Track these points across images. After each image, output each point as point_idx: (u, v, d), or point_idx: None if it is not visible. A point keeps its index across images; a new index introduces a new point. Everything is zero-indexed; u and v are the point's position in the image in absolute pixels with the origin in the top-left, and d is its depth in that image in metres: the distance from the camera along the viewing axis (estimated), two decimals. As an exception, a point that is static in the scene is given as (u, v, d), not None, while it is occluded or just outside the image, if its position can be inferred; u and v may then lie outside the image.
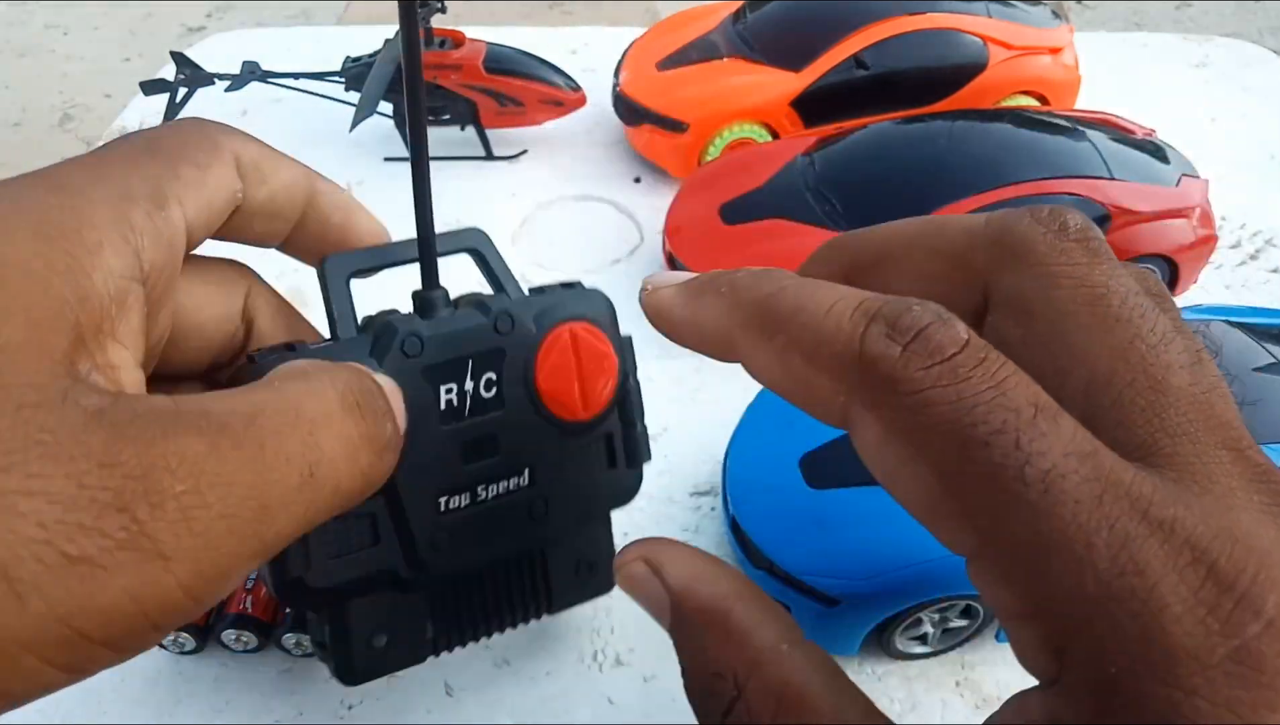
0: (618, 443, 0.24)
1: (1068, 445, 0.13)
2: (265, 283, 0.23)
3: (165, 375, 0.20)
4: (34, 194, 0.16)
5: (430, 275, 0.22)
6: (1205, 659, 0.12)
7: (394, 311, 0.23)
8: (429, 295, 0.22)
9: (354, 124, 0.45)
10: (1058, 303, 0.16)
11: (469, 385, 0.21)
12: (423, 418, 0.21)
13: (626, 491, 0.24)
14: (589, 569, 0.25)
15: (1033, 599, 0.14)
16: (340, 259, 0.22)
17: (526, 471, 0.22)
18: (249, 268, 0.22)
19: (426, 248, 0.22)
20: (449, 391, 0.21)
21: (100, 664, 0.14)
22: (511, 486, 0.22)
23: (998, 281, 0.17)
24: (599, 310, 0.24)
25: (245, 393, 0.16)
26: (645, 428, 0.24)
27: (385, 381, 0.19)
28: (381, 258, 0.23)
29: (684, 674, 0.17)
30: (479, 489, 0.22)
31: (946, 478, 0.14)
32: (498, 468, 0.22)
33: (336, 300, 0.22)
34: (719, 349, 0.18)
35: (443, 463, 0.21)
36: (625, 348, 0.24)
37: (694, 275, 0.19)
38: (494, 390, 0.22)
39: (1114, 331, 0.15)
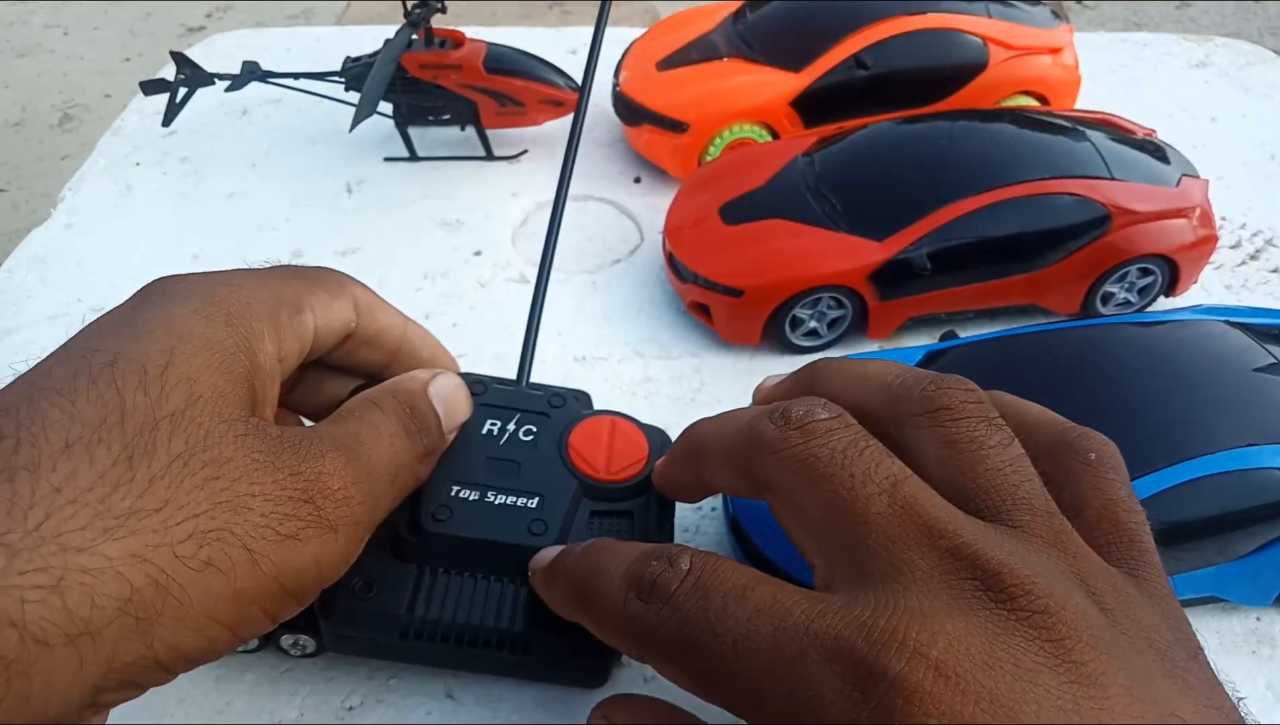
0: (638, 521, 0.27)
1: (751, 613, 0.18)
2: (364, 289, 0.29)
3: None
4: (221, 290, 0.22)
5: (522, 374, 0.31)
6: None
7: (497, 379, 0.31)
8: (519, 383, 0.31)
9: (354, 124, 0.45)
10: (787, 478, 0.20)
11: (510, 426, 0.28)
12: (464, 432, 0.28)
13: None
14: (576, 627, 0.24)
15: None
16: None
17: (537, 498, 0.27)
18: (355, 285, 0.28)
19: (524, 364, 0.31)
20: (493, 424, 0.28)
21: (289, 613, 0.20)
22: (519, 503, 0.27)
23: (756, 472, 0.22)
24: (647, 426, 0.30)
25: (345, 422, 0.23)
26: (672, 518, 0.29)
27: (443, 387, 0.26)
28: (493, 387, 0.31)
29: None
30: (489, 493, 0.27)
31: (693, 678, 0.20)
32: (511, 484, 0.27)
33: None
34: (693, 495, 0.27)
35: (465, 465, 0.27)
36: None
37: (674, 443, 0.27)
38: (531, 437, 0.28)
39: (822, 488, 0.20)
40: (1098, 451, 0.21)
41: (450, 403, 0.26)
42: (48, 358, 0.19)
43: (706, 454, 0.24)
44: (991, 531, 0.19)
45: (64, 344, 0.19)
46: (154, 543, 0.16)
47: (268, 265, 0.25)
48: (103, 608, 0.16)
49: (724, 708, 0.19)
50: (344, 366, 0.28)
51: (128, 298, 0.22)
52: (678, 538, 0.31)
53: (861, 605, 0.17)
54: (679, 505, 0.30)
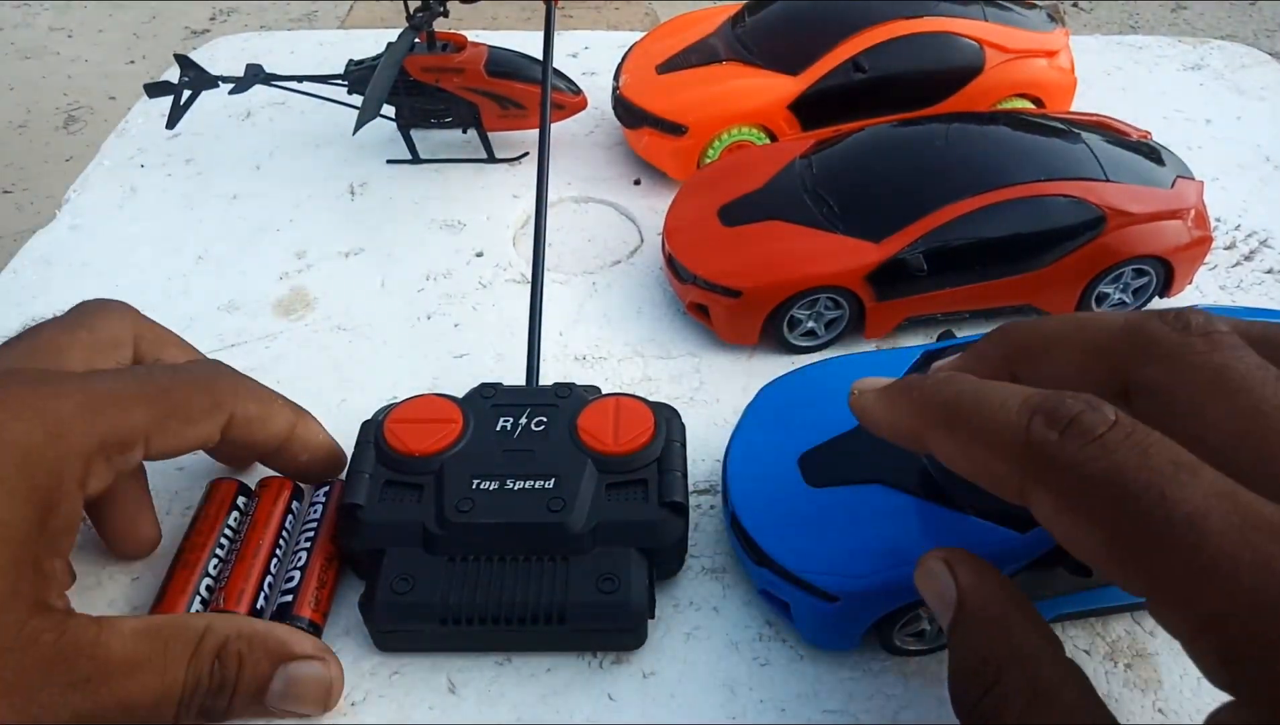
0: (652, 486, 0.30)
1: (1209, 489, 0.16)
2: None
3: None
4: (36, 437, 0.20)
5: (530, 377, 0.35)
6: None
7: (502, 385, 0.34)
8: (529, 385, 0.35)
9: (357, 127, 0.45)
10: (1187, 384, 0.19)
11: (523, 420, 0.31)
12: (479, 432, 0.31)
13: (662, 529, 0.29)
14: (610, 584, 0.28)
15: (1196, 622, 0.16)
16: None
17: (553, 479, 0.29)
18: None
19: (531, 368, 0.35)
20: (505, 421, 0.31)
21: None
22: (536, 485, 0.29)
23: (1136, 372, 0.20)
24: (653, 402, 0.32)
25: (142, 638, 0.23)
26: (685, 478, 0.31)
27: (301, 675, 0.26)
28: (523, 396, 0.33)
29: (951, 661, 0.21)
30: (508, 480, 0.29)
31: (1112, 534, 0.17)
32: (527, 470, 0.29)
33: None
34: (912, 442, 0.23)
35: (483, 459, 0.30)
36: (673, 425, 0.32)
37: (892, 382, 0.24)
38: (542, 426, 0.31)
39: (1237, 399, 0.18)
40: None
41: (300, 693, 0.25)
42: None
43: (1052, 347, 0.22)
44: None
45: None
46: None
47: (144, 373, 0.25)
48: None
49: (1124, 573, 0.18)
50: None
51: None
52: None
53: None
54: None
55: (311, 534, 0.31)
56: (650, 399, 0.32)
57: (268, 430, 0.27)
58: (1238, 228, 0.50)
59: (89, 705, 0.21)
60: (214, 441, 0.25)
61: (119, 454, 0.22)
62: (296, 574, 0.30)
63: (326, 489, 0.32)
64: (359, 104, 0.52)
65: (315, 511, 0.31)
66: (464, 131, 0.54)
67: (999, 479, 0.20)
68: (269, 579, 0.30)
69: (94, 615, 0.22)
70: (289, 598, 0.29)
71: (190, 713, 0.23)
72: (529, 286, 0.39)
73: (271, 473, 0.32)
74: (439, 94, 0.51)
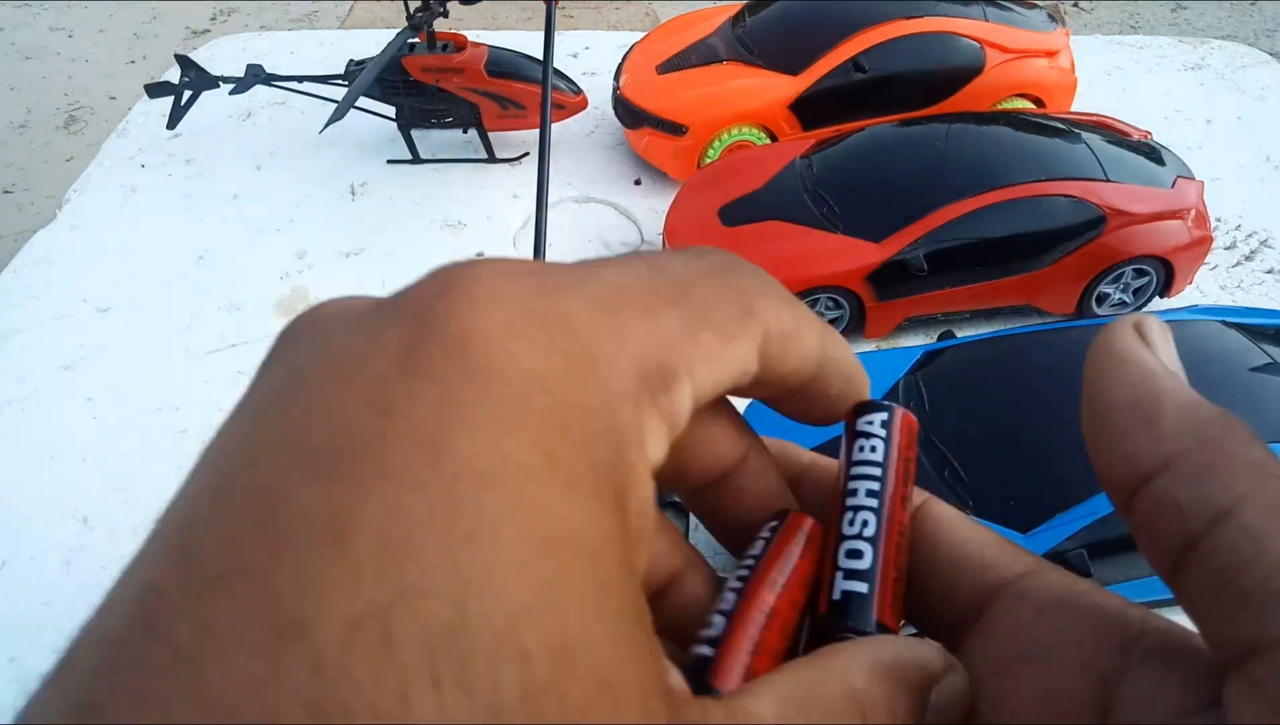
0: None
1: None
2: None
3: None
4: (569, 380, 0.10)
5: None
6: None
7: None
8: None
9: (324, 126, 0.46)
10: None
11: None
12: None
13: None
14: None
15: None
16: None
17: None
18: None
19: None
20: None
21: None
22: None
23: None
24: None
25: (806, 690, 0.13)
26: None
27: (953, 690, 0.16)
28: None
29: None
30: None
31: None
32: None
33: None
34: None
35: None
36: None
37: None
38: None
39: None
40: None
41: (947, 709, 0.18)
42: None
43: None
44: None
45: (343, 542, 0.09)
46: None
47: (607, 254, 0.14)
48: None
49: None
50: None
51: (386, 334, 0.10)
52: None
53: None
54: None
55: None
56: None
57: (802, 350, 0.15)
58: (1238, 228, 0.50)
59: None
60: (750, 373, 0.14)
61: (664, 394, 0.12)
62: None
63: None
64: (360, 104, 0.52)
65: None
66: (464, 132, 0.54)
67: None
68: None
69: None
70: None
71: None
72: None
73: None
74: (439, 94, 0.51)
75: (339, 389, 0.09)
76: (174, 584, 0.08)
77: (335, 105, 0.53)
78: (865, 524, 0.13)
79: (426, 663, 0.08)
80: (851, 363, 0.16)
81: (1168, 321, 0.26)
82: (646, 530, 0.10)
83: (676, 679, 0.11)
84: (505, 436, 0.09)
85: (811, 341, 0.14)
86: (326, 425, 0.08)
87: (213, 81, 0.52)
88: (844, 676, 0.13)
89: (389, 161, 0.54)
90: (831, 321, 0.42)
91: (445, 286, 0.09)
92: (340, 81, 0.52)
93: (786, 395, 0.15)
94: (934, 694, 0.14)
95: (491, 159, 0.54)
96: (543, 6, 0.45)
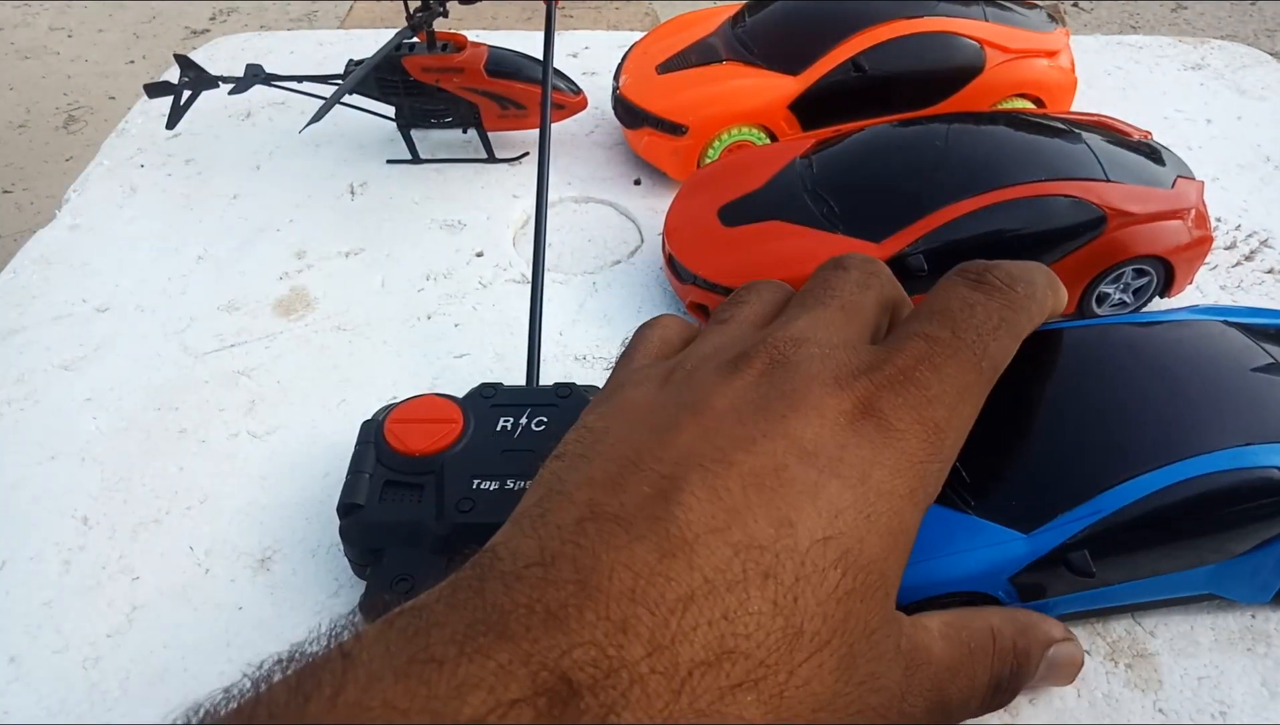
0: None
1: None
2: None
3: None
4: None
5: (530, 377, 0.36)
6: None
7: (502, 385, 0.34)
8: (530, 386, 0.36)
9: (304, 126, 0.45)
10: None
11: (523, 420, 0.31)
12: (479, 431, 0.31)
13: None
14: None
15: None
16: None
17: None
18: None
19: (531, 369, 0.36)
20: (506, 421, 0.31)
21: None
22: None
23: None
24: None
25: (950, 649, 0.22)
26: None
27: (1063, 655, 0.26)
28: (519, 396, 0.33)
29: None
30: (509, 481, 0.30)
31: None
32: (528, 471, 0.29)
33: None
34: None
35: (483, 459, 0.30)
36: None
37: None
38: (543, 426, 0.31)
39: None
40: None
41: (1057, 674, 0.26)
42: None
43: None
44: None
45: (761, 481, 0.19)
46: None
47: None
48: None
49: None
50: None
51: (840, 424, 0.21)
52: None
53: None
54: None
55: None
56: None
57: None
58: (1238, 228, 0.50)
59: (920, 706, 0.20)
60: None
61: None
62: None
63: None
64: (359, 104, 0.52)
65: None
66: (464, 131, 0.54)
67: None
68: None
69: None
70: None
71: (980, 711, 0.23)
72: (529, 286, 0.39)
73: None
74: (439, 94, 0.51)
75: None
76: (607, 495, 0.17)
77: (338, 104, 0.53)
78: None
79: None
80: None
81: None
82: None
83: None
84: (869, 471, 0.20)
85: None
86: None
87: (212, 81, 0.52)
88: (986, 619, 0.23)
89: (388, 161, 0.54)
90: (831, 321, 0.41)
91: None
92: (340, 82, 0.52)
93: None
94: (1051, 651, 0.24)
95: (491, 159, 0.54)
96: (542, 6, 0.45)
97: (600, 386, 0.34)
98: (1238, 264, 0.48)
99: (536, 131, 0.54)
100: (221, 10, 2.01)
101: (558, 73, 0.53)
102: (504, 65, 0.51)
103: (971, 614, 0.24)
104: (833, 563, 0.17)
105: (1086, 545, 0.26)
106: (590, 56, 0.63)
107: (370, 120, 0.54)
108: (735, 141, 0.50)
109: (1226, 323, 0.33)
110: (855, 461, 0.19)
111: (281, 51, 0.65)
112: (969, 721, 0.23)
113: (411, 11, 0.50)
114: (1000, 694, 0.23)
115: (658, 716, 0.14)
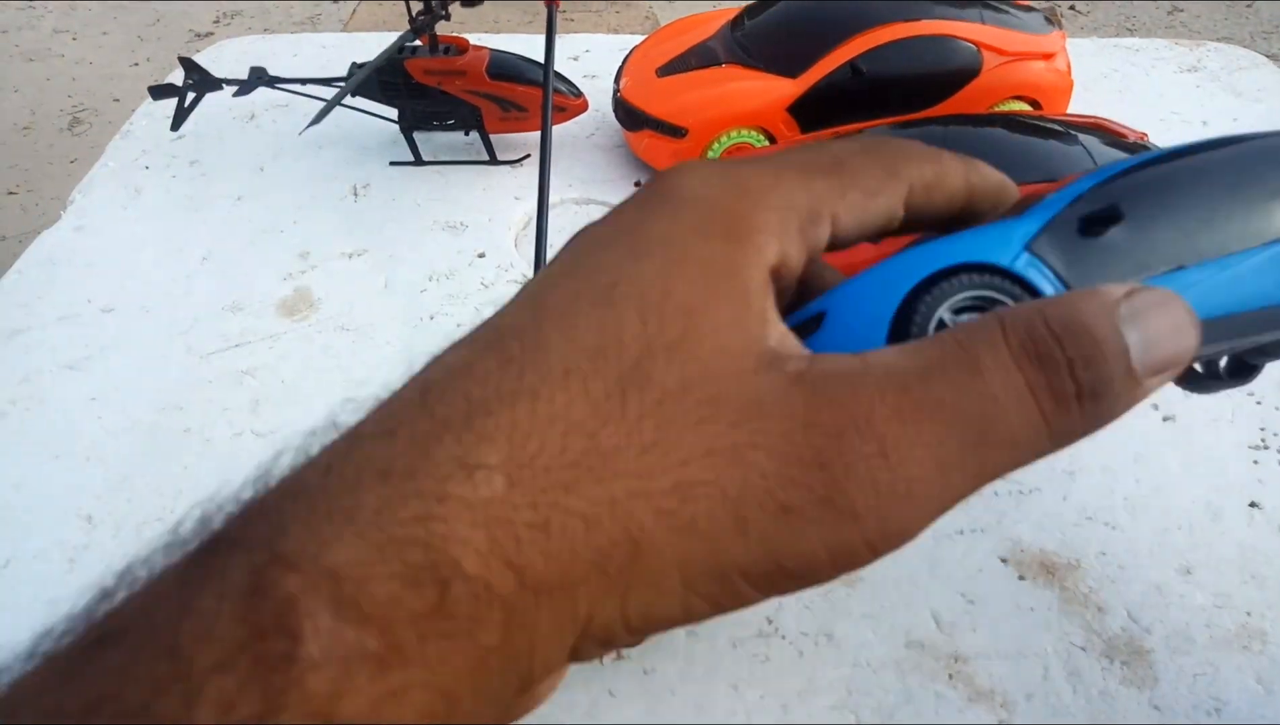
0: None
1: None
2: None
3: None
4: (725, 198, 0.17)
5: None
6: None
7: None
8: None
9: (305, 128, 0.46)
10: None
11: None
12: None
13: None
14: None
15: None
16: None
17: None
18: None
19: None
20: None
21: (787, 590, 0.15)
22: None
23: None
24: None
25: (920, 351, 0.15)
26: None
27: (1144, 306, 0.16)
28: None
29: None
30: None
31: None
32: None
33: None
34: None
35: None
36: None
37: None
38: None
39: None
40: None
41: (1156, 339, 0.15)
42: (549, 270, 0.17)
43: None
44: None
45: (564, 255, 0.17)
46: (634, 489, 0.14)
47: (814, 147, 0.20)
48: (581, 559, 0.14)
49: None
50: None
51: (636, 195, 0.17)
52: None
53: None
54: None
55: None
56: None
57: (946, 193, 0.20)
58: (1235, 229, 0.50)
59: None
60: (898, 219, 0.19)
61: (810, 227, 0.18)
62: None
63: None
64: (362, 106, 0.52)
65: None
66: (466, 134, 0.55)
67: None
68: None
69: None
70: None
71: (1032, 452, 0.15)
72: (530, 287, 0.39)
73: None
74: (441, 97, 0.52)
75: (609, 219, 0.17)
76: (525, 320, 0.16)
77: (341, 106, 0.54)
78: None
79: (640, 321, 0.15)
80: (997, 186, 0.21)
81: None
82: (761, 277, 0.16)
83: (791, 344, 0.16)
84: (676, 222, 0.16)
85: (955, 184, 0.20)
86: (597, 239, 0.17)
87: (216, 84, 0.52)
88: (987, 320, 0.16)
89: (391, 163, 0.55)
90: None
91: (668, 170, 0.17)
92: (343, 84, 0.53)
93: (949, 222, 0.20)
94: (1123, 308, 0.15)
95: (493, 161, 0.54)
96: (543, 9, 0.45)
97: None
98: (1234, 265, 0.48)
99: (538, 134, 0.55)
100: (225, 13, 2.01)
101: (559, 75, 0.53)
102: (505, 68, 0.52)
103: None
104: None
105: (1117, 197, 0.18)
106: (591, 59, 0.64)
107: (373, 122, 0.54)
108: (735, 143, 0.51)
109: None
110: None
111: (285, 54, 0.65)
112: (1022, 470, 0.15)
113: (414, 15, 0.51)
114: (1067, 405, 0.15)
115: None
